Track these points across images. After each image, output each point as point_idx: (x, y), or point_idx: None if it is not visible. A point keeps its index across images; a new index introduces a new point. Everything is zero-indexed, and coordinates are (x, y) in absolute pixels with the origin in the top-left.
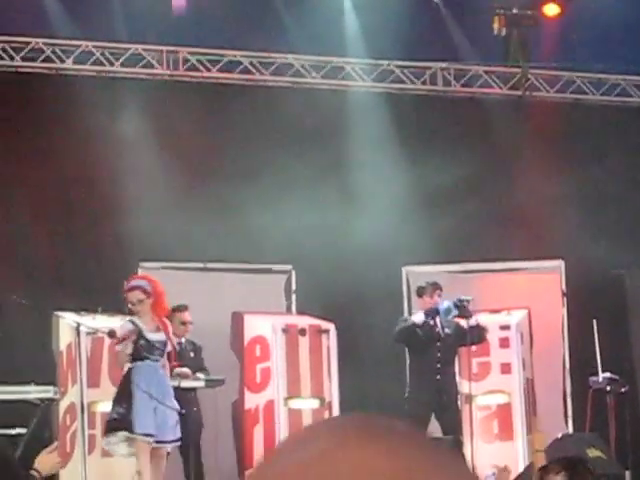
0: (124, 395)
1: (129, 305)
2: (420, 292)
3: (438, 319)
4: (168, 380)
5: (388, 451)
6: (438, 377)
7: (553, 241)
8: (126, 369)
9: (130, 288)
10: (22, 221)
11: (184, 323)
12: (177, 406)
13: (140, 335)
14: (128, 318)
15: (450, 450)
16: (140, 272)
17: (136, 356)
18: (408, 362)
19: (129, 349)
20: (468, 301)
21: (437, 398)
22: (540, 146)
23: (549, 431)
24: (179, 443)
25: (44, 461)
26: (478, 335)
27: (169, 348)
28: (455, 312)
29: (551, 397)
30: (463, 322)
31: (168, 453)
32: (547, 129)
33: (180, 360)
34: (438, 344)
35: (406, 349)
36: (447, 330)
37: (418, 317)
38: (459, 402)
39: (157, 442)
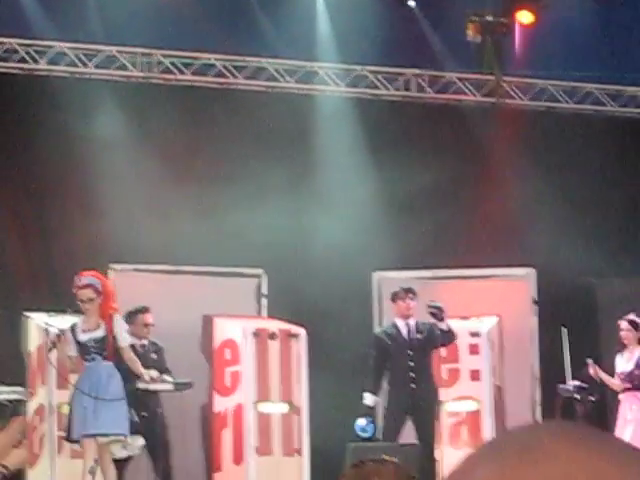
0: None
1: (79, 302)
2: (394, 297)
3: (406, 329)
4: (111, 375)
5: (612, 457)
6: (413, 386)
7: (524, 249)
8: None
9: (82, 286)
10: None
11: (146, 325)
12: (119, 397)
13: (73, 338)
14: (70, 325)
15: None
16: (111, 274)
17: (81, 358)
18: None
19: (71, 351)
20: (438, 307)
21: (413, 405)
22: (513, 153)
23: None
24: (125, 437)
25: (12, 455)
26: (448, 337)
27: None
28: (369, 432)
29: (520, 405)
30: (442, 325)
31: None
32: (520, 137)
33: (143, 361)
34: (410, 352)
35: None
36: (418, 335)
37: (368, 399)
38: (436, 407)
39: (102, 435)
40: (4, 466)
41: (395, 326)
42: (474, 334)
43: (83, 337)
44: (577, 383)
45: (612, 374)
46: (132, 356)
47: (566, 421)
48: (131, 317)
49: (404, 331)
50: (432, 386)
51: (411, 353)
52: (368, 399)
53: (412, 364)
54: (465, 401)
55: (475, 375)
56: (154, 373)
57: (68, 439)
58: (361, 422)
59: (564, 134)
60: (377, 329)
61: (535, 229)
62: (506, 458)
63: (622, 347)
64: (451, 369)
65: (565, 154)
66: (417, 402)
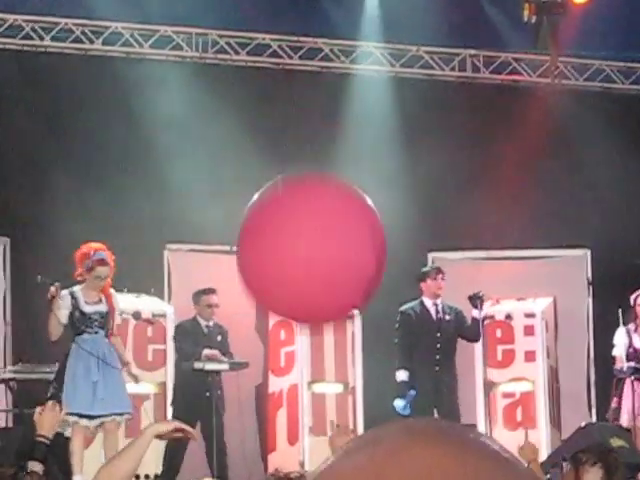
0: (59, 373)
1: (95, 278)
2: (424, 276)
3: (434, 309)
4: (113, 352)
5: (458, 454)
6: (437, 368)
7: (579, 230)
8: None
9: (101, 262)
10: (54, 199)
11: (210, 306)
12: (121, 378)
13: (75, 307)
14: (68, 290)
15: (516, 458)
16: (166, 254)
17: (74, 330)
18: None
19: (64, 318)
20: (480, 297)
21: (436, 390)
22: (568, 135)
23: (573, 420)
24: (130, 416)
25: (45, 420)
26: (477, 332)
27: (117, 320)
28: (408, 410)
29: (575, 386)
30: (475, 312)
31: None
32: (575, 118)
33: (207, 342)
34: (437, 335)
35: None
36: (447, 317)
37: (402, 375)
38: (458, 393)
39: (90, 417)
40: (43, 436)
41: (423, 304)
42: (529, 315)
43: (88, 308)
44: (632, 364)
45: None
46: (120, 339)
47: (424, 418)
48: (196, 298)
49: (432, 311)
50: (453, 370)
51: (439, 335)
52: (402, 375)
53: (439, 346)
54: (519, 382)
55: (530, 356)
56: (215, 352)
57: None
58: (399, 402)
59: (620, 115)
60: (404, 306)
61: (590, 210)
62: (357, 454)
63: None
64: (506, 350)
65: (620, 135)
66: (439, 386)
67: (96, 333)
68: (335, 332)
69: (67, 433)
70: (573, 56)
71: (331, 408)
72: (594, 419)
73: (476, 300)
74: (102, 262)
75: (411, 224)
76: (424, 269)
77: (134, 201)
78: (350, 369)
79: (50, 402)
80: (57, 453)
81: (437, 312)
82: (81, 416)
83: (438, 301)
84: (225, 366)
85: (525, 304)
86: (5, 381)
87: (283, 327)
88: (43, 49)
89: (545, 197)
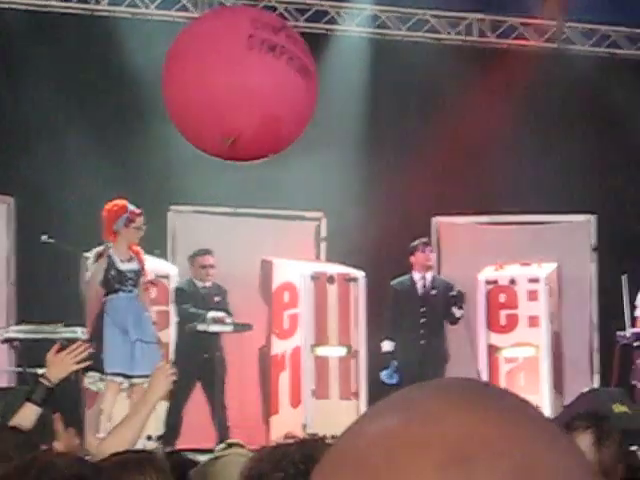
0: (96, 332)
1: (135, 229)
2: (412, 250)
3: (421, 283)
4: (146, 312)
5: (498, 419)
6: (422, 342)
7: (584, 195)
8: (100, 304)
9: (139, 213)
10: (59, 159)
11: (204, 267)
12: (155, 339)
13: (111, 265)
14: (96, 249)
15: (555, 424)
16: (170, 215)
17: (108, 289)
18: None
19: (99, 277)
20: (459, 296)
21: (421, 363)
22: (573, 100)
23: (575, 386)
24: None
25: (57, 363)
26: (454, 322)
27: (148, 277)
28: (395, 379)
29: (578, 351)
30: (455, 310)
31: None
32: (581, 83)
33: (205, 303)
34: (422, 309)
35: None
36: (433, 292)
37: (387, 346)
38: (444, 366)
39: (129, 377)
40: (47, 379)
41: (411, 279)
42: (533, 280)
43: (123, 266)
44: (636, 330)
45: None
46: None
47: (459, 379)
48: (190, 259)
49: (419, 285)
50: (442, 344)
51: (423, 309)
52: (386, 346)
53: (424, 320)
54: (523, 347)
55: (533, 321)
56: (222, 315)
57: (97, 369)
58: (385, 372)
59: (625, 81)
60: (394, 280)
61: (595, 176)
62: (387, 417)
63: None
64: (509, 315)
65: (626, 101)
66: (425, 359)
67: (130, 292)
68: (339, 295)
69: (94, 387)
70: (579, 21)
71: (334, 371)
72: (597, 385)
73: (456, 299)
74: (139, 213)
75: (415, 189)
76: (412, 243)
77: (138, 162)
78: (353, 333)
79: (74, 345)
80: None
81: (424, 286)
82: (121, 375)
83: (428, 275)
84: (229, 328)
85: (529, 269)
86: (9, 341)
87: (287, 289)
88: (50, 9)
89: (551, 162)
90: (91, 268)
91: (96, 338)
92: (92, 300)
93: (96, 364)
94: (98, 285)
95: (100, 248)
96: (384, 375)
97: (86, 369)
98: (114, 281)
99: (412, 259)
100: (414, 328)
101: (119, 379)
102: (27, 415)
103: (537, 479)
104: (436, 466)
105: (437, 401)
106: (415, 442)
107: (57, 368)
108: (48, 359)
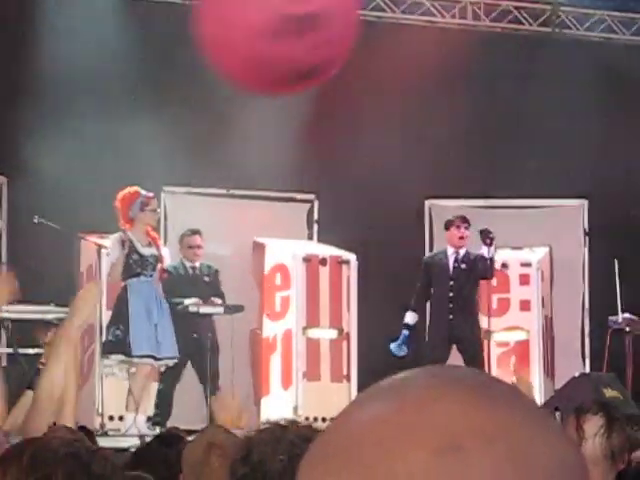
0: (120, 315)
1: (151, 212)
2: (448, 225)
3: (453, 258)
4: (162, 296)
5: (490, 405)
6: (451, 317)
7: (576, 180)
8: (120, 288)
9: (153, 196)
10: (53, 140)
11: (191, 247)
12: (171, 323)
13: (132, 249)
14: (118, 234)
15: (549, 412)
16: (163, 196)
17: (129, 273)
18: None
19: (121, 264)
20: (488, 234)
21: (454, 336)
22: (568, 85)
23: (566, 370)
24: (176, 360)
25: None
26: (489, 270)
27: (166, 263)
28: (404, 351)
29: (570, 335)
30: (484, 249)
31: (170, 368)
32: (575, 68)
33: (194, 284)
34: (451, 283)
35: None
36: (462, 266)
37: (409, 317)
38: (480, 338)
39: (156, 359)
40: (42, 363)
41: (444, 253)
42: (525, 264)
43: (145, 251)
44: (627, 315)
45: None
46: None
47: (450, 366)
48: (180, 240)
49: (451, 260)
50: (473, 318)
51: (452, 284)
52: (409, 317)
53: (452, 294)
54: (514, 331)
55: (525, 305)
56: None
57: (123, 352)
58: (395, 344)
59: (620, 66)
60: (426, 255)
61: (588, 160)
62: (379, 404)
63: None
64: (501, 299)
65: (620, 86)
66: (456, 333)
67: (150, 276)
68: (331, 278)
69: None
70: (574, 5)
71: (325, 353)
72: (588, 369)
73: (484, 236)
74: (152, 196)
75: (408, 171)
76: (449, 218)
77: (131, 144)
78: (345, 315)
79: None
80: None
81: (455, 261)
82: (150, 357)
83: (461, 250)
84: (220, 309)
85: (521, 253)
86: (0, 321)
87: (279, 271)
88: None
89: (544, 147)
90: (113, 253)
91: (119, 322)
92: (114, 284)
93: (121, 347)
94: (120, 270)
95: (117, 234)
96: (393, 347)
97: (107, 352)
98: (136, 265)
99: (447, 234)
100: (443, 303)
101: (149, 361)
102: (27, 404)
103: (530, 464)
104: (429, 453)
105: (429, 388)
106: (408, 429)
107: (82, 310)
108: (74, 302)
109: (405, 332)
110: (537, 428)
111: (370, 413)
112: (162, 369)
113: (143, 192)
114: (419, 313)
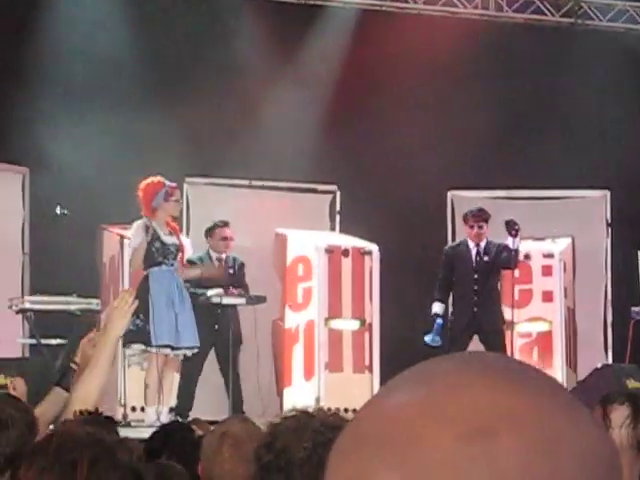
0: (141, 304)
1: (174, 202)
2: (464, 220)
3: (475, 250)
4: (184, 285)
5: (521, 391)
6: (476, 309)
7: (599, 170)
8: (142, 276)
9: (176, 186)
10: (74, 131)
11: (224, 239)
12: (192, 312)
13: (155, 237)
14: (141, 220)
15: (578, 399)
16: (185, 187)
17: (151, 261)
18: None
19: (143, 250)
20: (514, 225)
21: (477, 328)
22: (591, 75)
23: (589, 361)
24: (195, 350)
25: (88, 351)
26: (508, 260)
27: (187, 253)
28: (438, 342)
29: (592, 327)
30: (509, 240)
31: (188, 358)
32: (598, 58)
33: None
34: (475, 276)
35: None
36: (485, 258)
37: (437, 307)
38: (503, 329)
39: (174, 349)
40: (78, 364)
41: (465, 245)
42: (547, 255)
43: (167, 239)
44: None
45: None
46: None
47: (480, 352)
48: (209, 231)
49: (473, 252)
50: (496, 308)
51: (476, 277)
52: (437, 307)
53: (476, 287)
54: (537, 322)
55: (547, 296)
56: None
57: (143, 342)
58: (429, 335)
59: None
60: (447, 245)
61: (610, 151)
62: (409, 390)
63: None
64: (523, 290)
65: None
66: (481, 325)
67: (172, 265)
68: (353, 269)
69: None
70: None
71: (347, 344)
72: (610, 361)
73: (510, 227)
74: (176, 187)
75: (431, 162)
76: (464, 212)
77: (153, 135)
78: (367, 306)
79: (121, 295)
80: None
81: (477, 254)
82: (168, 347)
83: (482, 243)
84: (242, 300)
85: (543, 244)
86: (23, 311)
87: (301, 262)
88: None
89: (566, 138)
90: (135, 239)
91: (140, 311)
92: (136, 271)
93: (142, 336)
94: (142, 257)
95: (142, 220)
96: (428, 338)
97: (128, 342)
98: (158, 254)
99: (465, 227)
100: (467, 295)
101: (166, 351)
102: (56, 401)
103: (560, 452)
104: (460, 438)
105: (459, 374)
106: (438, 414)
107: (118, 321)
108: (82, 345)
109: (439, 321)
110: (569, 416)
111: (400, 399)
112: (180, 358)
113: (167, 182)
114: (445, 298)
